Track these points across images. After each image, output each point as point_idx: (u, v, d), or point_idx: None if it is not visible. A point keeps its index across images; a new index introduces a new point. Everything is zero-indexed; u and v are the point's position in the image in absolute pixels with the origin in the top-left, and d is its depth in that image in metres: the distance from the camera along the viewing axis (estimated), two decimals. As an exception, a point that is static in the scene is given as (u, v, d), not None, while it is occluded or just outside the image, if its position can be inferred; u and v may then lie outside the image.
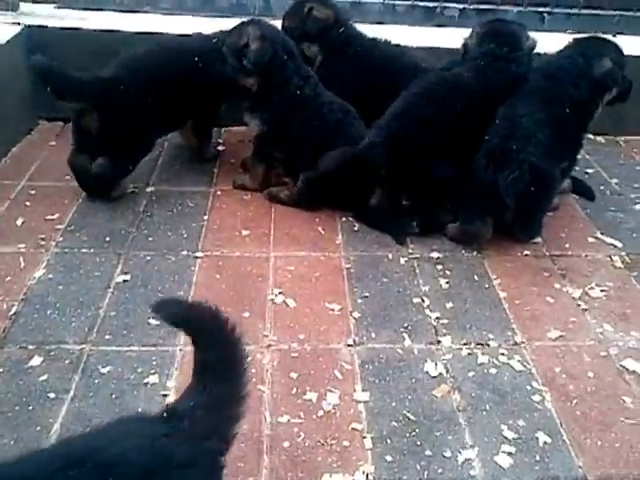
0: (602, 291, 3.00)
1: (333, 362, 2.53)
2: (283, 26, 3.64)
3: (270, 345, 2.58)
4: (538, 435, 2.28)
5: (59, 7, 4.22)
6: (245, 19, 3.39)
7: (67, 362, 2.45)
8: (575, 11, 4.64)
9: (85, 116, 3.23)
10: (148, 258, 3.00)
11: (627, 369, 2.58)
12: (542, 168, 3.05)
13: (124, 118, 3.24)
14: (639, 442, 2.28)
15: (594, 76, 3.29)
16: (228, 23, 3.48)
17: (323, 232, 3.28)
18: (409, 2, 4.44)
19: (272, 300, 2.81)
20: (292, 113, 3.35)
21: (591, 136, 4.39)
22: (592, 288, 3.01)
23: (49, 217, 3.22)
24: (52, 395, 2.31)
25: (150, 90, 3.29)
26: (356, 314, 2.77)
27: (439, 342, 2.66)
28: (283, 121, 3.36)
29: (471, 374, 2.52)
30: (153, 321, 2.63)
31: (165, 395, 2.32)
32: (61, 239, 3.09)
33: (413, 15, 4.46)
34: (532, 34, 3.82)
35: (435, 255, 3.16)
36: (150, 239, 3.13)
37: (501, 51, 3.38)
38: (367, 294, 2.89)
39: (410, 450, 2.21)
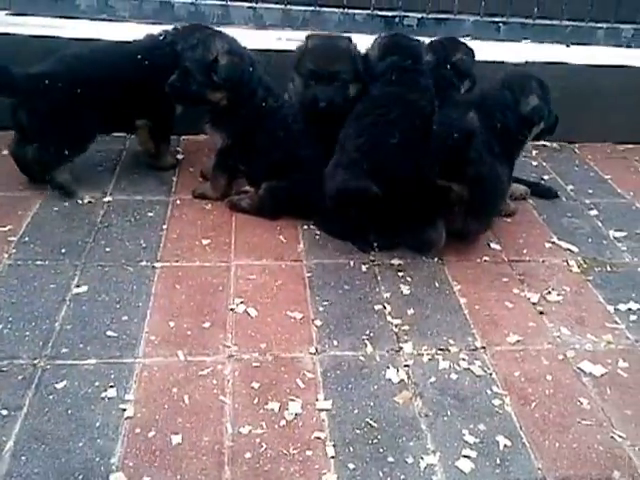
0: (559, 295, 3.04)
1: (295, 371, 2.52)
2: (328, 73, 3.38)
3: (231, 355, 2.56)
4: (498, 439, 2.30)
5: (11, 14, 4.16)
6: (202, 30, 3.41)
7: (20, 378, 2.38)
8: (530, 21, 4.71)
9: (18, 111, 3.31)
10: (106, 269, 2.96)
11: (584, 371, 2.62)
12: (483, 157, 3.07)
13: (51, 113, 3.30)
14: (596, 442, 2.31)
15: (521, 113, 3.34)
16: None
17: (284, 240, 3.27)
18: (368, 11, 4.47)
19: (233, 310, 2.79)
20: (257, 125, 3.35)
21: (547, 143, 4.51)
22: (549, 292, 3.06)
23: (1, 228, 3.16)
24: (4, 412, 2.25)
25: (83, 86, 3.31)
26: (318, 322, 2.76)
27: (401, 348, 2.66)
28: (249, 133, 3.35)
29: (432, 380, 2.53)
30: (111, 333, 2.60)
31: (123, 409, 2.29)
32: (14, 251, 3.02)
33: (372, 24, 4.49)
34: (488, 43, 3.90)
35: (396, 262, 3.17)
36: (108, 250, 3.08)
37: (405, 63, 3.41)
38: (329, 302, 2.88)
39: (373, 457, 2.20)
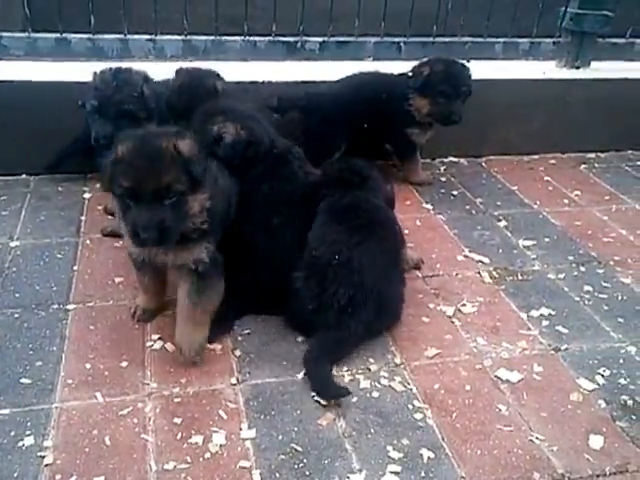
0: (473, 306, 3.12)
1: (217, 403, 2.50)
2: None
3: (151, 393, 2.52)
4: (422, 452, 2.33)
5: None
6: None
7: None
8: (430, 39, 4.83)
9: None
10: (16, 315, 2.88)
11: (501, 379, 2.68)
12: None
13: None
14: (515, 447, 2.37)
15: None
16: (85, 67, 3.42)
17: (199, 273, 3.25)
18: (269, 38, 4.51)
19: (151, 346, 2.75)
20: None
21: (454, 159, 4.63)
22: (464, 305, 3.13)
23: None
24: None
25: None
26: (238, 352, 2.75)
27: (321, 371, 2.68)
28: None
29: (354, 399, 2.54)
30: (25, 380, 2.53)
31: (42, 456, 2.23)
32: None
33: (274, 50, 4.53)
34: (391, 63, 4.01)
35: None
36: (17, 295, 3.00)
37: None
38: (247, 331, 2.87)
39: (299, 481, 2.21)
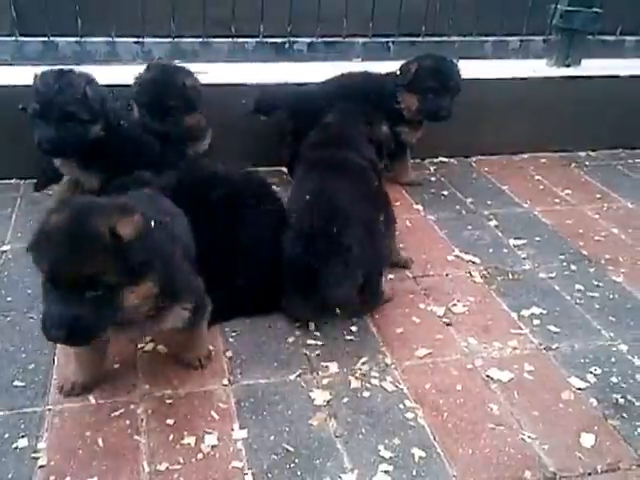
0: (464, 306, 3.12)
1: (209, 404, 2.50)
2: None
3: (144, 394, 2.53)
4: (413, 451, 2.34)
5: None
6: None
7: None
8: (419, 39, 4.84)
9: None
10: (8, 319, 2.88)
11: (492, 378, 2.69)
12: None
13: None
14: (507, 445, 2.38)
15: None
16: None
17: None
18: (257, 39, 4.51)
19: (142, 348, 2.75)
20: (135, 153, 3.36)
21: (444, 159, 4.63)
22: (455, 304, 3.13)
23: None
24: None
25: None
26: (229, 353, 2.76)
27: (313, 371, 2.68)
28: (126, 164, 3.25)
29: (345, 400, 2.55)
30: (18, 383, 2.53)
31: (36, 458, 2.23)
32: None
33: (263, 51, 4.53)
34: (380, 63, 4.02)
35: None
36: (9, 299, 3.00)
37: None
38: (238, 332, 2.88)
39: (291, 481, 2.21)
